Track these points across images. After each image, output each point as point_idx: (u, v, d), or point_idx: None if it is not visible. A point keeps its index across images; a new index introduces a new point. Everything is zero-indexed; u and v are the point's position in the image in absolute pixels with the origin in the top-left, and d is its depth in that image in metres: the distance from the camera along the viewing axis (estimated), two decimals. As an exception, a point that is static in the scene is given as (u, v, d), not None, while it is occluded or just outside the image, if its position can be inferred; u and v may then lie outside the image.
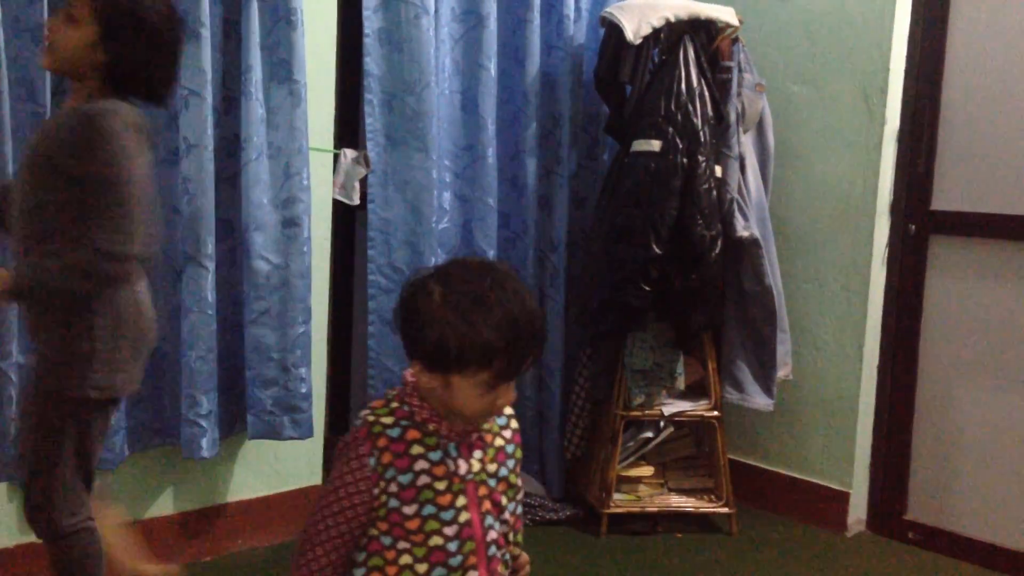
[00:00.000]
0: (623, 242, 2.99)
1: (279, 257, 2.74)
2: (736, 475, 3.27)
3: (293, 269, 2.75)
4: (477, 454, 1.50)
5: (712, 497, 3.25)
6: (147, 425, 2.70)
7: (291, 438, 2.83)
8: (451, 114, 3.12)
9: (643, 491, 3.27)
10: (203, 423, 2.65)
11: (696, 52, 3.01)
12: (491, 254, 3.18)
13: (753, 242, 3.10)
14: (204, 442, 2.65)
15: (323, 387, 3.08)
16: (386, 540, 1.45)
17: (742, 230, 3.08)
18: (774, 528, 3.28)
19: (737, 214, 3.08)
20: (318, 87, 2.87)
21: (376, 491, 1.43)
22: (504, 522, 1.53)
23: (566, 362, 3.35)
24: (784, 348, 3.21)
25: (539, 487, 3.37)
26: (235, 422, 2.83)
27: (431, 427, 1.46)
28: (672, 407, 3.19)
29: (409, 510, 1.44)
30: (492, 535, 1.51)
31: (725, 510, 3.20)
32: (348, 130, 3.07)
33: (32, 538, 2.54)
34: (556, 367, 3.33)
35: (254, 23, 2.62)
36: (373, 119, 2.94)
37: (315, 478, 3.10)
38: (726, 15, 3.05)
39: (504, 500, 1.53)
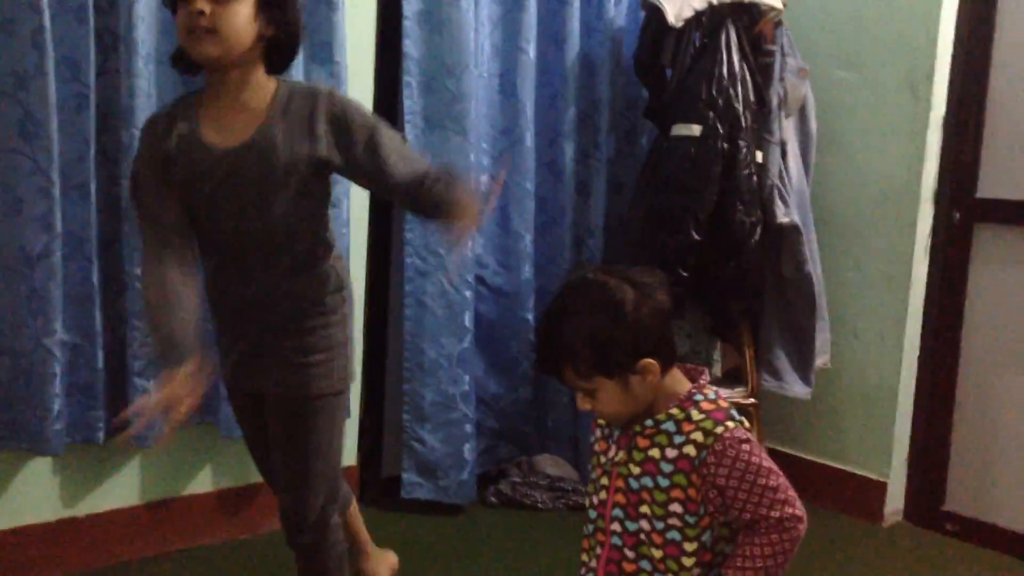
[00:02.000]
0: (662, 228, 2.97)
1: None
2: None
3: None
4: (628, 448, 1.59)
5: (747, 485, 3.22)
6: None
7: (334, 419, 2.84)
8: (489, 97, 3.11)
9: (677, 477, 3.25)
10: (241, 402, 2.67)
11: (738, 36, 2.97)
12: (528, 238, 3.18)
13: (793, 229, 3.07)
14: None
15: (359, 368, 3.09)
16: None
17: (782, 216, 3.05)
18: (810, 517, 3.23)
19: (777, 200, 3.05)
20: (357, 69, 2.86)
21: None
22: (642, 529, 1.56)
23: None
24: (823, 336, 3.17)
25: (573, 472, 3.37)
26: (272, 402, 2.84)
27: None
28: (708, 394, 3.16)
29: (589, 467, 1.67)
30: (616, 526, 1.58)
31: (760, 498, 3.17)
32: (387, 112, 3.06)
33: (74, 512, 2.61)
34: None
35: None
36: (412, 101, 2.94)
37: (351, 457, 3.12)
38: (770, -2, 3.01)
39: (646, 509, 1.56)
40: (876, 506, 3.21)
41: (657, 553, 1.55)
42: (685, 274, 2.96)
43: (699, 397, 1.56)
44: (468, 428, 3.08)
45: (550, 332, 1.54)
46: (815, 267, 3.13)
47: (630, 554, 1.57)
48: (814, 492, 3.35)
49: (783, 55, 3.06)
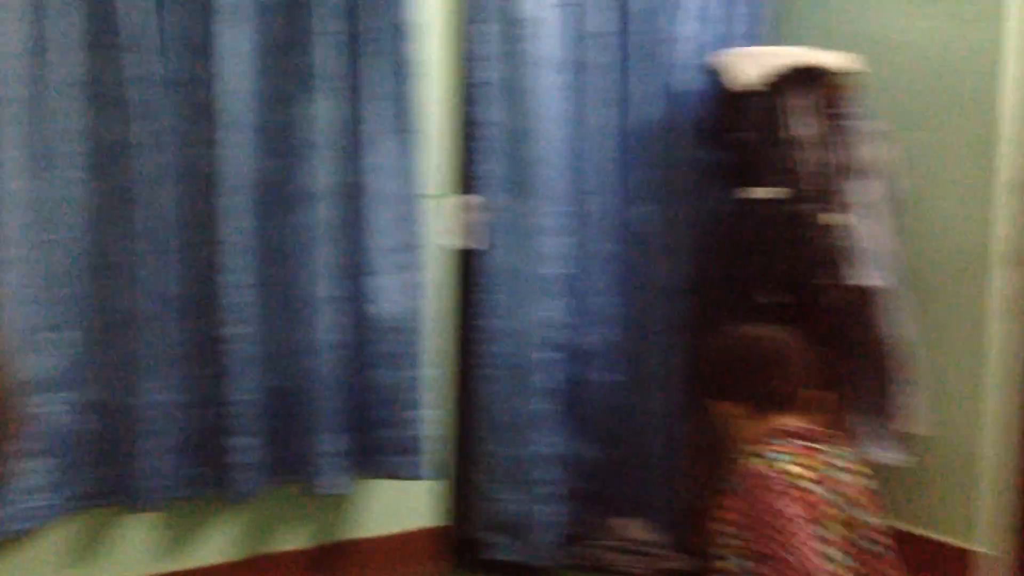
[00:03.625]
0: (738, 290, 2.98)
1: (401, 301, 2.83)
2: (861, 530, 3.16)
3: (414, 313, 2.86)
4: None
5: (836, 552, 3.14)
6: (279, 461, 2.79)
7: (416, 478, 2.90)
8: (561, 162, 3.16)
9: (764, 543, 3.19)
10: (332, 461, 2.75)
11: (811, 99, 3.00)
12: (607, 300, 3.22)
13: (875, 291, 3.02)
14: (332, 480, 2.76)
15: (444, 429, 3.16)
16: None
17: (861, 278, 3.01)
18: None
19: (855, 262, 3.02)
20: (435, 135, 2.99)
21: None
22: None
23: (684, 411, 3.33)
24: (911, 401, 3.10)
25: (661, 536, 3.33)
26: (364, 460, 2.89)
27: None
28: (793, 458, 3.12)
29: None
30: None
31: (849, 565, 3.09)
32: (464, 177, 3.17)
33: (173, 567, 2.74)
34: (674, 417, 3.31)
35: (374, 75, 2.75)
36: (489, 166, 3.04)
37: (439, 518, 3.17)
38: (842, 62, 3.03)
39: None
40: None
41: None
42: (764, 336, 2.95)
43: None
44: (552, 489, 3.09)
45: None
46: (902, 330, 3.08)
47: None
48: (904, 562, 3.24)
49: (856, 118, 3.06)
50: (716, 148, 3.15)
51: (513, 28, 2.97)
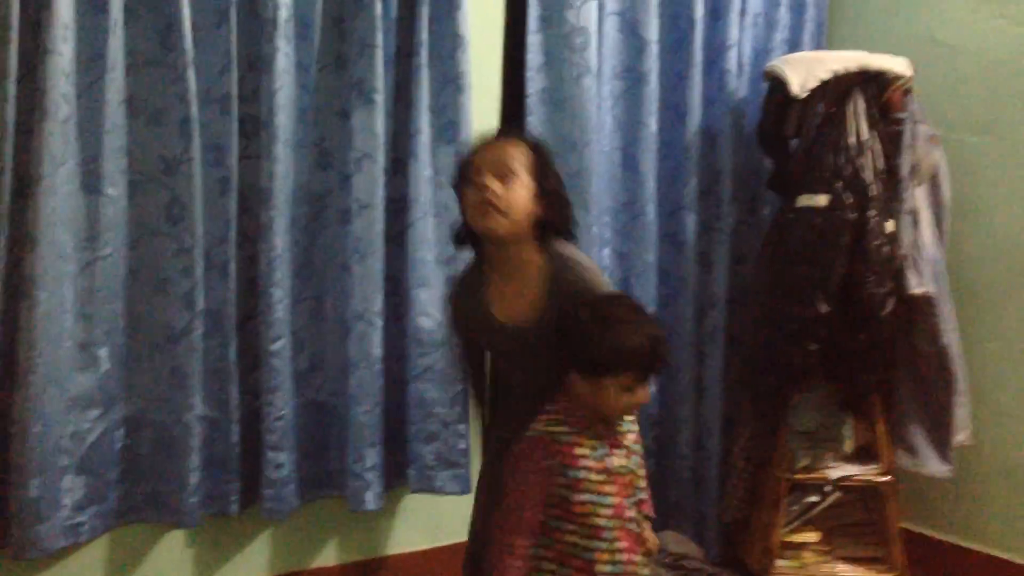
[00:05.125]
0: (789, 300, 2.90)
1: (443, 314, 2.78)
2: (910, 545, 3.09)
3: (459, 327, 2.79)
4: (619, 452, 1.99)
5: (883, 567, 3.08)
6: (315, 477, 2.76)
7: (451, 493, 2.85)
8: (611, 171, 3.12)
9: (808, 558, 3.13)
10: (369, 476, 2.70)
11: (866, 104, 2.92)
12: (650, 310, 3.14)
13: (927, 300, 2.95)
14: (369, 495, 2.70)
15: (477, 443, 3.09)
16: (554, 524, 1.94)
17: (916, 287, 2.94)
18: (952, 604, 3.08)
19: (910, 271, 2.95)
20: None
21: (552, 487, 1.92)
22: (634, 505, 2.03)
23: (724, 422, 3.27)
24: (962, 411, 3.02)
25: (696, 549, 3.28)
26: (397, 475, 2.86)
27: (591, 432, 1.96)
28: (839, 471, 3.06)
29: (579, 498, 1.93)
30: (629, 514, 1.99)
31: (898, 582, 3.03)
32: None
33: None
34: (714, 427, 3.25)
35: (424, 88, 2.71)
36: (536, 177, 2.97)
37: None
38: (898, 66, 2.95)
39: (635, 489, 2.04)
40: (1026, 594, 3.02)
41: (645, 516, 2.17)
42: (813, 347, 2.88)
43: None
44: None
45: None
46: (951, 339, 3.01)
47: (633, 527, 2.08)
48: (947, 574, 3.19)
49: (913, 122, 2.98)
50: (773, 155, 3.07)
51: (566, 38, 2.91)
